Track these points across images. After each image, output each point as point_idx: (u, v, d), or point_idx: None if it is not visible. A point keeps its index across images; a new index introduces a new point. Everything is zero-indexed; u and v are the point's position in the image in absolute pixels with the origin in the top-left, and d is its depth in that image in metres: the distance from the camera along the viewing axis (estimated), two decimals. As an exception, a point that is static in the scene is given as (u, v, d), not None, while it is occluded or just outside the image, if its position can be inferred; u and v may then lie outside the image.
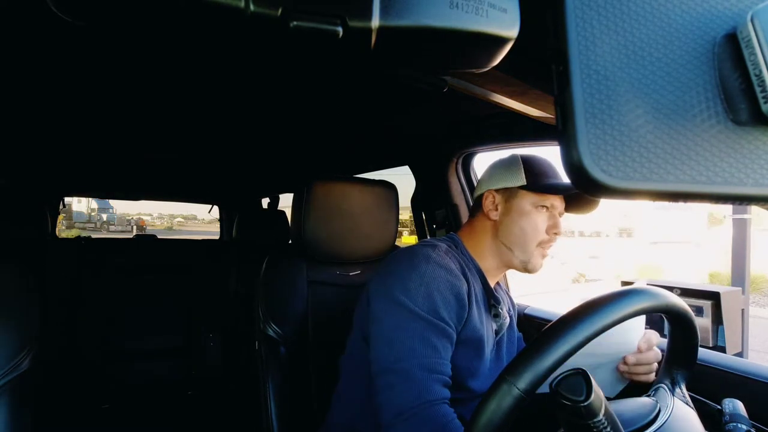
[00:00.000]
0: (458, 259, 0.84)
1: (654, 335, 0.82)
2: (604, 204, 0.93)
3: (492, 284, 0.89)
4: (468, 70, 0.34)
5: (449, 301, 0.75)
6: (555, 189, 0.84)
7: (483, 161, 1.45)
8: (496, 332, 0.88)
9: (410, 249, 0.82)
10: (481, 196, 0.91)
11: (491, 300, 0.86)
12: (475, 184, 1.52)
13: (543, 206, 0.85)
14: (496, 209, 0.88)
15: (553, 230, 0.85)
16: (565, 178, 0.86)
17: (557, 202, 0.86)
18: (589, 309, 0.49)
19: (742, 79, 0.22)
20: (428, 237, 1.62)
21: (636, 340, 0.81)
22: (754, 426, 0.59)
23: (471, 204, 1.48)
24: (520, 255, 0.85)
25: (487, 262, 0.89)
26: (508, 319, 0.91)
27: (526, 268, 0.86)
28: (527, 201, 0.85)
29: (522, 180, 0.85)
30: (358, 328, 0.85)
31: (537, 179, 0.85)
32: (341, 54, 0.30)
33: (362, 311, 0.84)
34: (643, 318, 0.78)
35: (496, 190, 0.89)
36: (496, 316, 0.87)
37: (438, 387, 0.70)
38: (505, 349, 0.92)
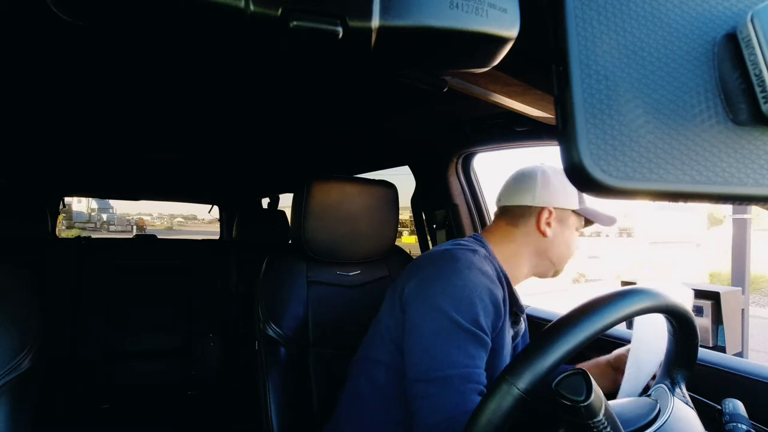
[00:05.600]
0: (493, 265, 0.83)
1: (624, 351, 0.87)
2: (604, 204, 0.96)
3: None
4: (468, 70, 0.34)
5: (488, 310, 0.74)
6: (605, 221, 0.90)
7: (483, 161, 1.45)
8: (512, 338, 0.88)
9: (449, 253, 0.79)
10: (530, 208, 0.87)
11: (514, 307, 0.86)
12: (476, 184, 1.53)
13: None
14: (549, 226, 0.87)
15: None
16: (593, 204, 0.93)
17: None
18: (589, 309, 0.49)
19: (742, 79, 0.22)
20: (428, 237, 1.62)
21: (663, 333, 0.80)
22: (754, 426, 0.59)
23: (477, 207, 1.48)
24: (560, 269, 0.92)
25: (517, 270, 0.88)
26: (524, 326, 0.92)
27: (555, 276, 0.93)
28: (575, 222, 0.90)
29: (575, 203, 0.88)
30: (385, 331, 0.81)
31: (587, 206, 0.90)
32: (341, 54, 0.30)
33: (393, 316, 0.80)
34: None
35: (554, 208, 0.87)
36: (515, 322, 0.88)
37: (474, 397, 0.68)
38: None
